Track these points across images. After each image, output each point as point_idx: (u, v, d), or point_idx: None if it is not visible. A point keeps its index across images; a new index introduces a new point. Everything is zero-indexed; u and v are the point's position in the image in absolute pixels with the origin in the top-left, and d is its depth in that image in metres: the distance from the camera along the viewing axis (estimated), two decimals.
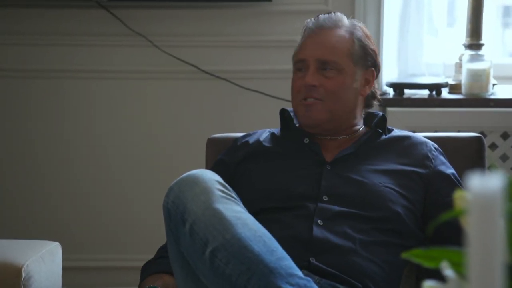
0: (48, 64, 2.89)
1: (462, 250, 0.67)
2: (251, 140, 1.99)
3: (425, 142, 1.93)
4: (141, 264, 1.91)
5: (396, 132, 1.98)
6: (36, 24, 2.87)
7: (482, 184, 0.50)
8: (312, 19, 1.97)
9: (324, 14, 1.98)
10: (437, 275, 0.72)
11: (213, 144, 2.14)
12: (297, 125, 1.97)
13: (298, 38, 1.99)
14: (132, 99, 2.89)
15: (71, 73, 2.90)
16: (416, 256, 0.72)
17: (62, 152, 2.92)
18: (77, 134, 2.91)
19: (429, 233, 1.76)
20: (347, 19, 1.97)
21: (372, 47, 1.96)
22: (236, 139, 2.04)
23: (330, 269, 1.71)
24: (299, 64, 1.93)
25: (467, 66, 2.67)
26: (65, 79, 2.90)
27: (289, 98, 1.98)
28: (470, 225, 0.53)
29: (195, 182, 1.64)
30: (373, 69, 1.95)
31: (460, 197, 0.71)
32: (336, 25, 1.93)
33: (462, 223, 0.68)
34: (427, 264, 0.71)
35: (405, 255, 0.73)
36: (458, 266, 0.66)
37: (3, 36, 2.85)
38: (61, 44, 2.87)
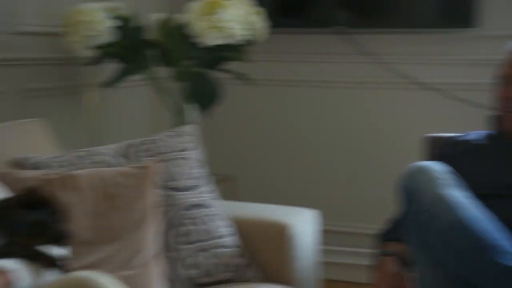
0: (299, 76, 3.11)
1: None
2: (468, 138, 2.01)
3: None
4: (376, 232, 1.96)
5: None
6: (298, 46, 3.06)
7: None
8: None
9: None
10: None
11: (429, 142, 2.15)
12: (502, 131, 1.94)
13: (497, 57, 1.95)
14: (359, 103, 3.05)
15: (312, 83, 3.10)
16: None
17: (328, 142, 3.11)
18: (325, 127, 3.09)
19: None
20: None
21: None
22: (449, 138, 2.04)
23: None
24: (501, 80, 1.90)
25: None
26: (314, 88, 3.10)
27: (491, 107, 1.98)
28: None
29: (427, 171, 1.64)
30: None
31: None
32: None
33: None
34: None
35: None
36: None
37: (270, 55, 3.06)
38: (308, 60, 3.08)
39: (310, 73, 3.10)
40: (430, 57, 2.94)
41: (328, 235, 2.54)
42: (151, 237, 1.78)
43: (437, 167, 1.67)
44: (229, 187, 2.81)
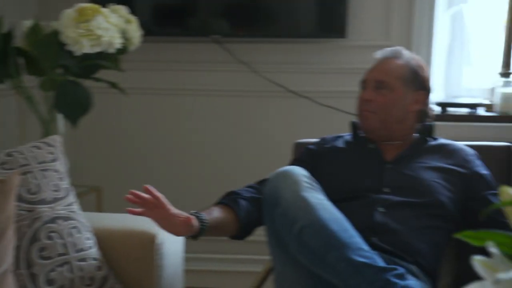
0: (174, 84, 2.95)
1: (504, 233, 0.66)
2: (330, 141, 1.99)
3: (465, 149, 1.90)
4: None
5: (442, 140, 1.95)
6: (174, 55, 2.93)
7: None
8: (380, 51, 1.95)
9: (390, 48, 1.96)
10: (476, 253, 0.71)
11: (298, 147, 2.15)
12: (362, 133, 1.96)
13: (364, 66, 1.96)
14: (234, 111, 2.92)
15: (191, 91, 2.96)
16: (466, 236, 0.71)
17: (196, 149, 2.97)
18: (196, 135, 2.95)
19: (480, 219, 1.67)
20: (408, 52, 1.95)
21: (423, 74, 1.91)
22: (315, 142, 2.03)
23: (388, 247, 1.68)
24: (363, 84, 1.92)
25: (500, 90, 2.60)
26: (189, 96, 2.96)
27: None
28: None
29: (287, 175, 1.63)
30: (423, 92, 1.91)
31: (505, 192, 0.70)
32: (395, 56, 1.91)
33: (508, 213, 0.68)
34: (475, 243, 0.71)
35: (456, 235, 0.72)
36: (502, 246, 0.66)
37: (145, 64, 2.91)
38: (184, 69, 2.93)
39: (185, 82, 2.90)
40: (302, 65, 2.81)
41: (192, 242, 2.47)
42: (10, 251, 1.60)
43: (298, 171, 1.64)
44: (95, 198, 2.59)
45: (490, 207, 0.71)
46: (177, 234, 1.62)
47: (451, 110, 2.66)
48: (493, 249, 0.65)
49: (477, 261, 0.66)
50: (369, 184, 1.80)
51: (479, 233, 0.69)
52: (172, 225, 1.59)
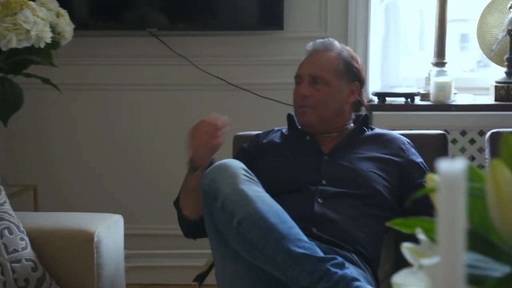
0: (112, 79, 2.89)
1: (432, 220, 0.67)
2: (266, 136, 1.99)
3: (400, 138, 1.93)
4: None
5: (377, 130, 1.97)
6: (105, 48, 2.86)
7: (449, 167, 0.51)
8: (311, 44, 1.94)
9: (321, 39, 1.95)
10: (411, 239, 0.72)
11: (238, 140, 2.14)
12: (300, 126, 1.97)
13: (302, 58, 1.97)
14: (173, 105, 2.87)
15: (129, 86, 2.91)
16: (397, 224, 0.72)
17: (123, 146, 2.90)
18: (134, 131, 2.89)
19: (406, 206, 1.75)
20: (338, 43, 1.94)
21: (356, 65, 1.91)
22: (255, 135, 2.03)
23: (328, 237, 1.70)
24: (297, 79, 1.92)
25: (434, 79, 2.65)
26: (128, 91, 2.89)
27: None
28: (439, 200, 0.53)
29: (225, 168, 1.62)
30: (357, 82, 1.92)
31: (431, 179, 0.71)
32: (327, 48, 1.91)
33: (432, 199, 0.68)
34: (405, 230, 0.71)
35: (388, 224, 0.73)
36: (429, 232, 0.66)
37: (81, 58, 2.84)
38: (122, 64, 2.88)
39: (122, 76, 2.83)
40: (241, 58, 2.78)
41: (131, 239, 2.43)
42: None
43: (236, 164, 1.63)
44: (31, 198, 2.51)
45: (416, 194, 0.72)
46: (200, 157, 1.78)
47: (388, 99, 2.70)
48: (420, 235, 0.66)
49: (405, 248, 0.66)
50: (307, 176, 1.81)
51: (407, 220, 0.70)
52: (204, 153, 1.77)
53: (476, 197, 0.66)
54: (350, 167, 1.82)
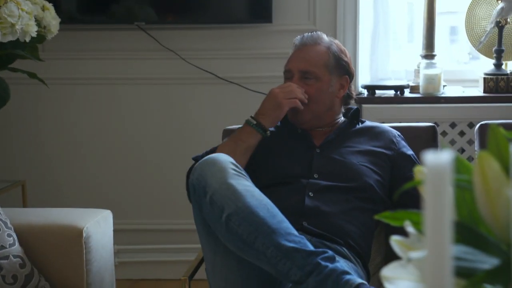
0: (100, 73, 2.87)
1: (420, 212, 0.67)
2: None
3: (390, 130, 1.92)
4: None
5: (368, 122, 1.97)
6: (92, 42, 2.83)
7: (436, 159, 0.50)
8: (299, 37, 1.92)
9: (309, 33, 1.93)
10: (402, 232, 0.72)
11: (228, 134, 2.12)
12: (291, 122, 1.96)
13: (292, 51, 1.97)
14: (163, 100, 2.87)
15: (117, 80, 2.89)
16: (385, 217, 0.71)
17: (112, 141, 2.89)
18: (123, 125, 2.87)
19: (395, 199, 1.75)
20: (327, 36, 1.93)
21: (345, 59, 1.90)
22: None
23: (318, 230, 1.69)
24: (287, 74, 1.90)
25: (423, 72, 2.65)
26: (116, 85, 2.87)
27: None
28: (426, 192, 0.52)
29: (213, 163, 1.60)
30: (347, 76, 1.91)
31: (419, 171, 0.71)
32: (316, 42, 1.89)
33: (420, 191, 0.68)
34: (394, 223, 0.71)
35: (377, 217, 0.72)
36: (417, 225, 0.66)
37: (68, 52, 2.82)
38: (110, 58, 2.86)
39: (110, 71, 2.82)
40: (230, 52, 2.76)
41: (121, 234, 2.43)
42: None
43: (225, 159, 1.61)
44: (19, 193, 2.51)
45: (404, 186, 0.72)
46: (275, 118, 1.86)
47: (378, 92, 2.70)
48: (409, 228, 0.65)
49: (394, 241, 0.66)
50: (299, 169, 1.80)
51: (396, 213, 0.69)
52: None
53: (464, 189, 0.66)
54: (341, 161, 1.82)
